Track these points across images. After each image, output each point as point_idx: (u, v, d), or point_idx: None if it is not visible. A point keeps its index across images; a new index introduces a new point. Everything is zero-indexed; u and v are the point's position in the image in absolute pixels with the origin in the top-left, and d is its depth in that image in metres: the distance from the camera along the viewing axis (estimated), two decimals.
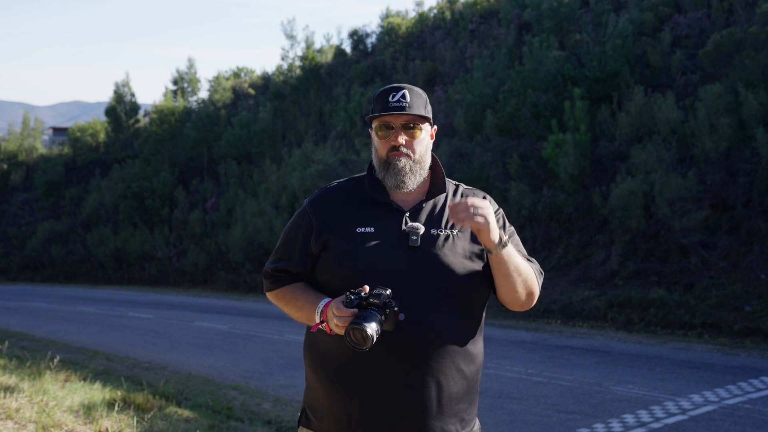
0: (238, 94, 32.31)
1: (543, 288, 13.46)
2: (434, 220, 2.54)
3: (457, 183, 2.69)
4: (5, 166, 34.77)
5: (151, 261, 24.73)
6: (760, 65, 14.39)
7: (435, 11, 27.90)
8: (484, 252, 2.52)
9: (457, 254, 2.49)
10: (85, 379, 8.17)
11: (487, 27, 23.67)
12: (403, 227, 2.50)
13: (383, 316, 2.31)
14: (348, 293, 2.35)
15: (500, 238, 2.39)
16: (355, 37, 29.87)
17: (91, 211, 28.66)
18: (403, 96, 2.51)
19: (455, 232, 2.53)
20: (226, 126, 27.98)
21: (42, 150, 36.89)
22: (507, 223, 2.66)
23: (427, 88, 22.31)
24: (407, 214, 2.53)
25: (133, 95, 34.04)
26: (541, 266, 11.58)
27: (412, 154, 2.52)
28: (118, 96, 33.72)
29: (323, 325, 2.43)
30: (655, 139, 14.51)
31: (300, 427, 2.63)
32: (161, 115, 30.27)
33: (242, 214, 22.46)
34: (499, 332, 11.54)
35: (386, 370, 2.42)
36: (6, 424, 5.11)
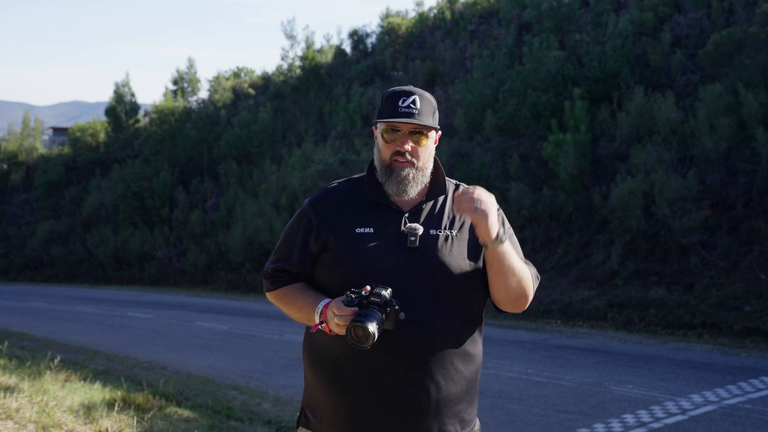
0: (238, 94, 32.31)
1: (543, 288, 13.47)
2: (433, 220, 2.54)
3: (457, 182, 2.68)
4: (5, 166, 34.78)
5: (151, 261, 24.74)
6: (760, 65, 14.39)
7: (435, 11, 27.90)
8: (482, 252, 2.53)
9: (456, 255, 2.49)
10: (85, 379, 8.17)
11: (487, 27, 23.67)
12: (402, 228, 2.50)
13: (384, 315, 2.32)
14: (348, 292, 2.35)
15: (497, 234, 2.39)
16: (355, 37, 29.88)
17: (91, 211, 28.66)
18: (414, 102, 2.49)
19: (454, 233, 2.53)
20: (226, 126, 27.98)
21: (42, 150, 36.90)
22: (507, 224, 2.66)
23: (427, 88, 22.31)
24: (406, 215, 2.53)
25: (133, 95, 34.05)
26: (541, 266, 11.53)
27: (416, 161, 2.51)
28: (118, 96, 33.72)
29: (323, 325, 2.43)
30: (655, 139, 14.51)
31: (299, 427, 2.62)
32: (161, 115, 30.27)
33: (242, 214, 22.47)
34: (499, 332, 11.54)
35: (385, 370, 2.42)
36: (6, 424, 5.11)
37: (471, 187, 2.40)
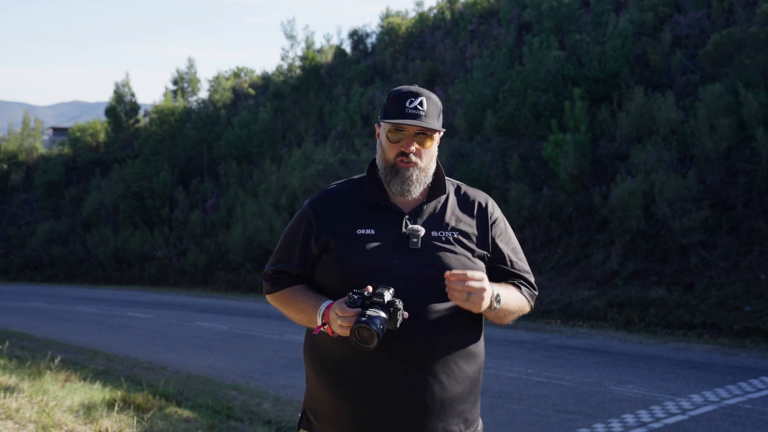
0: (238, 94, 32.31)
1: (543, 288, 13.48)
2: (434, 221, 2.54)
3: (458, 183, 2.68)
4: (5, 166, 34.77)
5: (151, 261, 24.74)
6: (760, 65, 14.39)
7: (435, 11, 27.90)
8: (484, 254, 2.53)
9: (457, 256, 2.49)
10: (85, 379, 8.17)
11: (487, 27, 23.67)
12: (404, 229, 2.50)
13: (387, 315, 2.31)
14: (351, 293, 2.35)
15: (490, 303, 2.42)
16: (355, 37, 29.88)
17: (91, 211, 28.66)
18: (421, 104, 2.49)
19: (456, 234, 2.52)
20: (226, 126, 27.98)
21: (42, 150, 36.90)
22: (507, 227, 2.66)
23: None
24: (407, 216, 2.53)
25: (133, 95, 34.05)
26: (541, 266, 11.51)
27: (419, 162, 2.51)
28: (118, 96, 33.72)
29: (325, 327, 2.42)
30: (655, 139, 14.51)
31: (300, 429, 2.61)
32: (161, 115, 30.27)
33: (242, 214, 22.46)
34: (499, 332, 11.54)
35: (388, 371, 2.41)
36: (6, 424, 5.11)
37: (462, 272, 2.36)
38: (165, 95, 33.15)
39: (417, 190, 2.53)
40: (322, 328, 2.43)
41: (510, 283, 2.59)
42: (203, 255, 22.77)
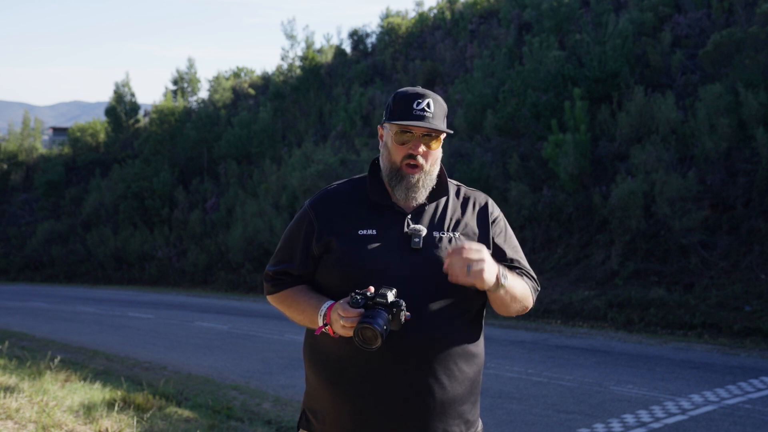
0: (238, 94, 32.31)
1: (543, 288, 13.47)
2: (436, 222, 2.53)
3: (458, 184, 2.68)
4: (5, 166, 34.78)
5: (151, 261, 24.74)
6: (760, 65, 14.39)
7: (435, 11, 27.90)
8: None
9: None
10: (85, 379, 8.17)
11: (487, 27, 23.67)
12: (406, 229, 2.50)
13: (390, 315, 2.31)
14: (353, 294, 2.34)
15: (497, 280, 2.38)
16: (355, 37, 29.88)
17: (91, 211, 28.66)
18: (428, 105, 2.48)
19: (457, 234, 2.52)
20: (226, 126, 27.98)
21: (42, 150, 36.90)
22: (507, 226, 2.65)
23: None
24: (409, 217, 2.52)
25: (133, 95, 34.05)
26: (541, 266, 11.53)
27: (425, 165, 2.50)
28: (118, 96, 33.72)
29: (326, 328, 2.42)
30: (654, 139, 14.51)
31: (300, 429, 2.61)
32: (161, 115, 30.27)
33: (242, 214, 22.46)
34: (499, 332, 11.54)
35: (388, 372, 2.41)
36: (6, 424, 5.11)
37: (459, 246, 2.33)
38: (165, 95, 33.15)
39: (422, 196, 2.52)
40: (323, 329, 2.43)
41: (514, 272, 2.58)
42: (203, 255, 22.77)
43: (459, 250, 2.31)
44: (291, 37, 28.95)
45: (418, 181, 2.49)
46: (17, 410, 5.44)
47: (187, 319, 14.64)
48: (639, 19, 18.01)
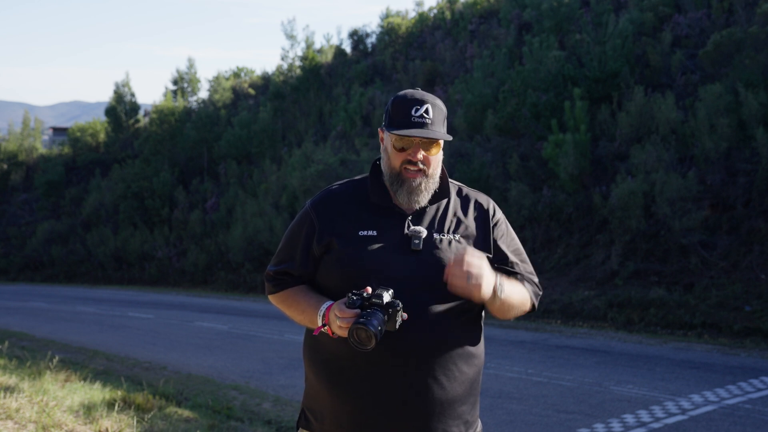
0: (238, 94, 32.31)
1: (543, 288, 13.44)
2: (436, 224, 2.53)
3: (460, 185, 2.67)
4: (5, 166, 34.78)
5: (151, 261, 24.74)
6: (760, 65, 14.39)
7: (435, 11, 27.90)
8: (486, 256, 2.52)
9: None
10: (85, 379, 8.17)
11: (487, 27, 23.67)
12: (406, 231, 2.50)
13: (386, 316, 2.31)
14: (350, 294, 2.35)
15: (494, 290, 2.39)
16: (355, 37, 29.88)
17: (91, 211, 28.66)
18: (427, 111, 2.46)
19: (457, 236, 2.52)
20: (226, 126, 27.98)
21: (42, 150, 36.90)
22: (509, 229, 2.65)
23: (427, 88, 22.31)
24: (410, 218, 2.52)
25: (133, 95, 34.05)
26: (541, 266, 11.49)
27: (426, 170, 2.49)
28: (118, 96, 33.73)
29: (325, 328, 2.42)
30: (654, 139, 14.51)
31: (299, 428, 2.62)
32: (161, 115, 30.27)
33: (242, 214, 22.47)
34: (499, 332, 11.54)
35: (387, 372, 2.41)
36: (6, 424, 5.11)
37: (461, 255, 2.34)
38: (165, 95, 33.15)
39: (424, 199, 2.52)
40: (322, 329, 2.44)
41: (514, 278, 2.58)
42: (203, 255, 22.77)
43: (460, 262, 2.31)
44: (291, 37, 28.96)
45: (420, 184, 2.49)
46: (17, 410, 5.44)
47: (187, 319, 14.64)
48: (639, 19, 18.01)
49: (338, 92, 25.96)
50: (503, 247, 2.60)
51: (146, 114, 34.37)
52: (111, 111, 33.63)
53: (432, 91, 21.72)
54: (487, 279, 2.35)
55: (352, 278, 2.44)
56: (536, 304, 2.64)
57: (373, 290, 2.36)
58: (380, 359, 2.39)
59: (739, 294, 11.70)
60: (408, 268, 2.45)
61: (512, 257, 2.60)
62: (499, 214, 2.64)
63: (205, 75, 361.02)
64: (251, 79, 34.09)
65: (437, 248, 2.48)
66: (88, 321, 15.00)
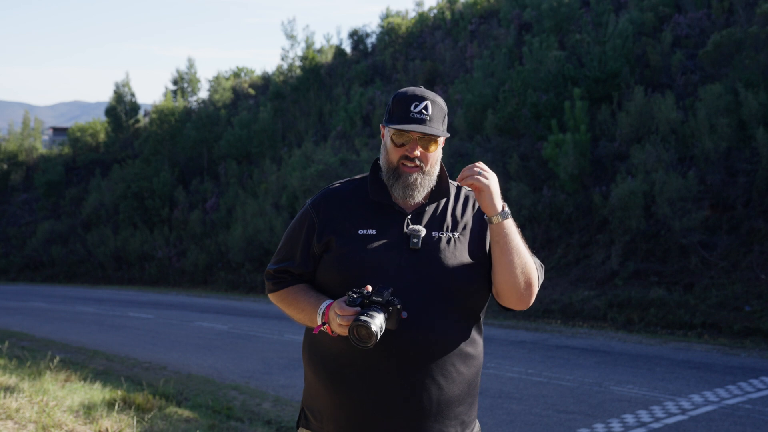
0: (238, 94, 32.32)
1: (543, 288, 13.46)
2: (436, 223, 2.53)
3: (459, 184, 2.67)
4: (5, 166, 34.78)
5: (151, 261, 24.74)
6: (760, 65, 14.40)
7: (435, 11, 27.91)
8: (485, 254, 2.52)
9: (457, 257, 2.48)
10: (85, 379, 8.17)
11: (487, 27, 23.68)
12: (405, 230, 2.50)
13: (386, 314, 2.32)
14: (350, 292, 2.35)
15: (502, 208, 2.42)
16: (355, 37, 29.89)
17: (91, 211, 28.66)
18: (426, 108, 2.48)
19: (456, 235, 2.52)
20: (226, 126, 27.99)
21: (42, 150, 36.91)
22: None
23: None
24: (409, 217, 2.52)
25: (133, 95, 34.06)
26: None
27: (424, 167, 2.50)
28: (118, 96, 33.73)
29: (325, 326, 2.43)
30: (654, 139, 14.52)
31: (299, 427, 2.62)
32: (161, 115, 30.28)
33: (242, 214, 22.47)
34: (499, 332, 11.54)
35: (386, 372, 2.41)
36: (6, 424, 5.11)
37: (472, 165, 2.43)
38: (165, 95, 33.17)
39: (420, 195, 2.52)
40: (322, 328, 2.44)
41: None
42: (203, 255, 22.77)
43: (473, 167, 2.40)
44: (291, 37, 28.96)
45: (415, 180, 2.49)
46: (17, 410, 5.44)
47: (187, 319, 14.64)
48: (639, 19, 18.02)
49: (338, 92, 25.96)
50: None
51: (146, 114, 34.39)
52: (111, 111, 33.65)
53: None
54: (495, 186, 2.40)
55: (351, 277, 2.44)
56: (541, 278, 2.55)
57: (373, 289, 2.36)
58: (378, 359, 2.40)
59: (739, 294, 11.70)
60: (407, 267, 2.45)
61: None
62: None
63: (205, 75, 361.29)
64: (251, 79, 34.09)
65: (436, 247, 2.48)
66: (88, 321, 15.00)
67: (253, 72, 35.87)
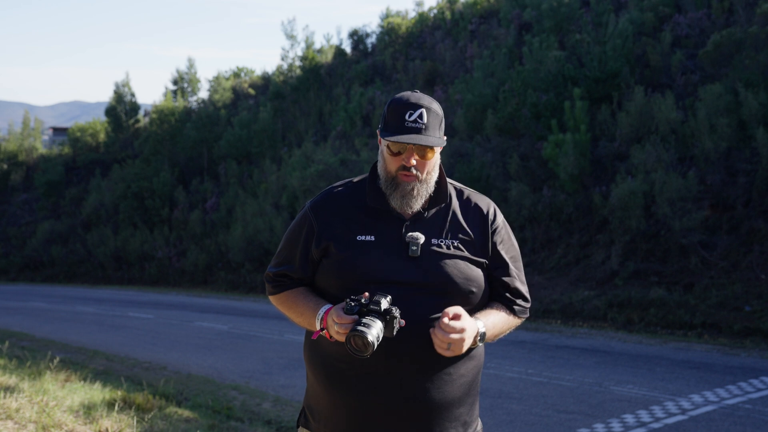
0: (238, 94, 32.32)
1: (543, 288, 13.47)
2: (435, 229, 2.51)
3: (461, 187, 2.65)
4: (5, 166, 34.78)
5: (151, 261, 24.74)
6: (760, 65, 14.40)
7: (435, 11, 27.91)
8: (483, 262, 2.52)
9: (456, 264, 2.47)
10: (85, 379, 8.17)
11: (487, 27, 23.68)
12: (404, 237, 2.48)
13: (384, 323, 2.30)
14: (348, 300, 2.33)
15: (474, 341, 2.42)
16: (355, 37, 29.89)
17: (91, 211, 28.67)
18: (420, 116, 2.43)
19: (455, 242, 2.51)
20: (226, 126, 27.99)
21: (42, 150, 36.91)
22: (509, 235, 2.63)
23: (427, 88, 22.32)
24: (407, 224, 2.51)
25: (133, 95, 34.06)
26: (541, 266, 11.44)
27: (421, 175, 2.47)
28: (118, 96, 33.74)
29: (324, 331, 2.42)
30: (654, 139, 14.52)
31: (299, 427, 2.62)
32: (161, 115, 30.28)
33: (242, 214, 22.47)
34: None
35: (385, 375, 2.41)
36: (6, 424, 5.11)
37: (446, 325, 2.33)
38: (165, 95, 33.18)
39: (417, 204, 2.49)
40: (320, 333, 2.43)
41: (499, 303, 2.57)
42: (203, 255, 22.77)
43: (443, 327, 2.32)
44: (291, 37, 28.97)
45: (413, 189, 2.47)
46: (17, 410, 5.44)
47: (187, 319, 14.64)
48: (639, 19, 18.02)
49: (338, 92, 25.96)
50: (503, 253, 2.57)
51: (146, 114, 34.39)
52: (111, 111, 33.65)
53: (432, 92, 21.74)
54: (468, 340, 2.37)
55: (349, 283, 2.43)
56: (526, 316, 2.66)
57: (371, 296, 2.34)
58: (378, 362, 2.39)
59: (739, 294, 11.70)
60: (406, 275, 2.43)
61: (510, 264, 2.58)
62: (499, 219, 2.60)
63: (205, 75, 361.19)
64: (251, 79, 34.09)
65: (435, 254, 2.46)
66: (88, 321, 15.00)
67: (253, 72, 35.88)
